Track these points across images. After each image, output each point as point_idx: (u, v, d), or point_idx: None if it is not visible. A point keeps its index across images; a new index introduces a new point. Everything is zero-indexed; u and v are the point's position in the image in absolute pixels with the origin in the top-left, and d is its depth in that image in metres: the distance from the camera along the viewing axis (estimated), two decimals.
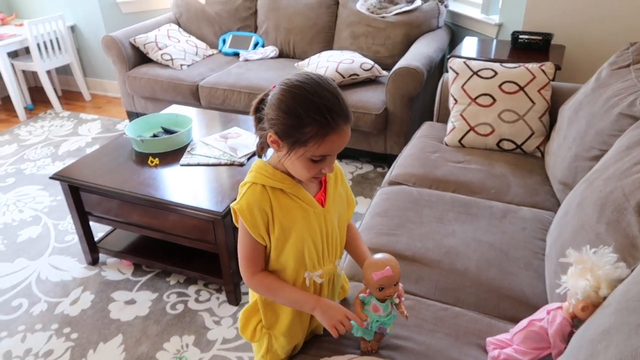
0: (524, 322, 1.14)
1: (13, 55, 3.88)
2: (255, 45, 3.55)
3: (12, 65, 3.76)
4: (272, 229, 1.05)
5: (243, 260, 1.10)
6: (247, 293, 2.02)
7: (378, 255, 1.11)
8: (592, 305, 1.01)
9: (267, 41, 3.57)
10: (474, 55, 2.66)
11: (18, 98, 3.73)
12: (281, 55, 3.53)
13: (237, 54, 3.55)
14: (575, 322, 1.05)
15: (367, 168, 2.92)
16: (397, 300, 1.11)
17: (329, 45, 3.40)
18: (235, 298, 1.98)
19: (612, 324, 0.85)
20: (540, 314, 1.13)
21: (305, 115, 0.92)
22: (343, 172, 1.19)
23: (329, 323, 1.07)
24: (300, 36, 3.43)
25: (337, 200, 1.14)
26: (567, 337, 1.04)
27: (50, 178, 2.03)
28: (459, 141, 2.14)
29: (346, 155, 3.01)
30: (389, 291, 1.07)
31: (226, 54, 3.59)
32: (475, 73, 2.16)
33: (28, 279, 2.19)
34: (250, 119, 2.50)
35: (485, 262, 1.47)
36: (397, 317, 1.15)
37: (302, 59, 3.37)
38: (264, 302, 1.16)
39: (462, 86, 2.17)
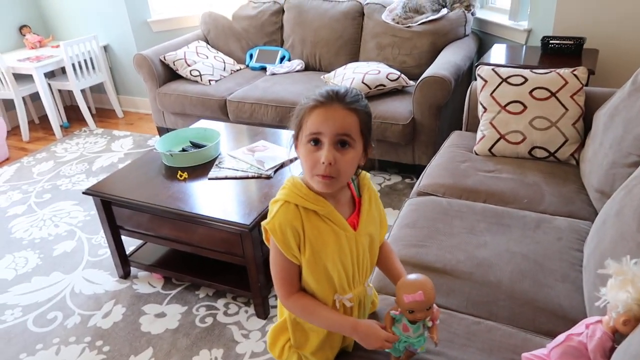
0: (561, 337, 1.08)
1: (50, 75, 4.03)
2: (282, 59, 3.59)
3: (49, 85, 3.91)
4: (303, 250, 1.03)
5: (278, 280, 1.07)
6: (275, 307, 2.01)
7: (413, 276, 1.07)
8: (635, 318, 0.95)
9: (294, 55, 3.60)
10: (502, 63, 2.61)
11: (55, 116, 3.86)
12: (307, 68, 3.55)
13: (264, 68, 3.59)
14: (617, 336, 1.00)
15: (396, 179, 2.88)
16: (429, 324, 1.07)
17: (355, 57, 3.40)
18: (263, 311, 1.98)
19: None
20: (579, 328, 1.07)
21: (305, 102, 0.99)
22: (376, 191, 1.17)
23: (368, 347, 1.05)
24: (326, 49, 3.45)
25: (370, 222, 1.11)
26: (608, 353, 0.99)
27: (84, 193, 2.09)
28: (489, 150, 2.09)
29: (373, 166, 2.99)
30: (420, 315, 1.03)
31: (253, 69, 3.63)
32: (505, 80, 2.11)
33: (63, 292, 2.24)
34: (277, 132, 2.53)
35: (519, 274, 1.42)
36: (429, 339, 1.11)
37: (329, 71, 3.38)
38: (293, 322, 1.14)
39: (491, 94, 2.12)
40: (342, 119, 0.95)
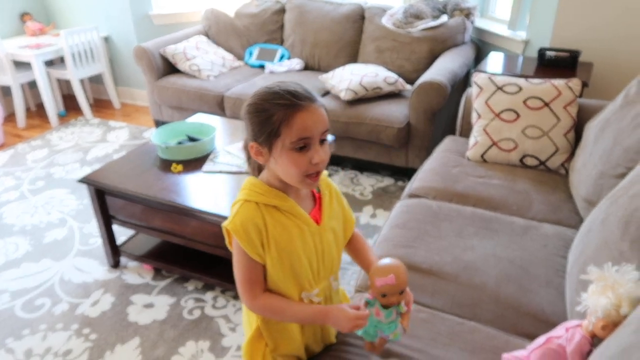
0: (541, 339, 1.11)
1: (48, 63, 4.02)
2: (281, 57, 3.61)
3: (48, 73, 3.90)
4: (267, 248, 1.01)
5: (242, 283, 1.04)
6: None
7: (385, 261, 1.07)
8: (613, 323, 0.98)
9: (293, 54, 3.62)
10: (499, 71, 2.64)
11: (51, 105, 3.86)
12: (306, 68, 3.57)
13: (262, 66, 3.61)
14: (595, 340, 1.02)
15: (388, 181, 2.91)
16: (403, 308, 1.08)
17: (353, 59, 3.43)
18: None
19: (633, 342, 0.83)
20: (559, 331, 1.10)
21: (269, 105, 0.94)
22: (338, 189, 1.17)
23: (343, 330, 1.06)
24: (325, 50, 3.47)
25: (333, 217, 1.11)
26: (585, 356, 1.02)
27: (78, 181, 2.09)
28: (481, 156, 2.12)
29: (367, 168, 3.01)
30: (392, 299, 1.04)
31: (252, 66, 3.65)
32: (500, 88, 2.14)
33: (52, 279, 2.24)
34: None
35: (504, 278, 1.44)
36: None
37: (327, 71, 3.41)
38: (266, 325, 1.12)
39: (486, 101, 2.15)
40: (322, 118, 0.95)
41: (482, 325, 1.30)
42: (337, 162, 3.05)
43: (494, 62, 2.81)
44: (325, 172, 1.10)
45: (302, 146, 0.94)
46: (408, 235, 1.65)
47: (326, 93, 3.09)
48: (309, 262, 1.06)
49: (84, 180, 2.09)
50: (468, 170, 2.04)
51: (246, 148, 1.03)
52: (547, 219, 1.74)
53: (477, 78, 2.24)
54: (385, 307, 1.06)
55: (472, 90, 2.27)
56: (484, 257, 1.53)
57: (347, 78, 2.95)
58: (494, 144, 2.09)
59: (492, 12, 3.37)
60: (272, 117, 0.93)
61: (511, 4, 3.01)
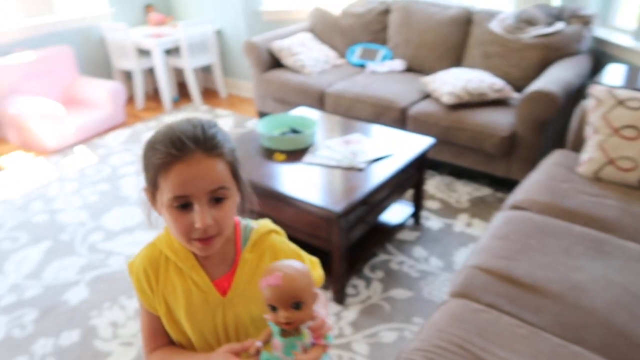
0: None
1: (166, 52, 4.36)
2: (383, 58, 3.62)
3: (165, 61, 4.23)
4: (158, 303, 0.90)
5: (142, 333, 0.95)
6: (354, 295, 2.07)
7: (279, 261, 0.82)
8: None
9: (396, 54, 3.62)
10: (618, 84, 2.46)
11: (167, 90, 4.18)
12: (409, 69, 3.55)
13: (363, 65, 3.65)
14: None
15: (486, 191, 2.82)
16: (307, 338, 0.77)
17: (458, 63, 3.36)
18: (341, 298, 2.04)
19: None
20: None
21: (152, 150, 0.80)
22: (290, 249, 0.95)
23: None
24: (429, 52, 3.43)
25: (255, 292, 0.84)
26: None
27: None
28: (595, 173, 1.99)
29: (464, 175, 2.94)
30: (283, 315, 0.75)
31: (354, 65, 3.70)
32: (621, 102, 2.00)
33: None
34: (372, 127, 2.56)
35: (616, 304, 1.36)
36: None
37: (429, 74, 3.37)
38: None
39: (604, 115, 2.02)
40: (211, 172, 0.79)
41: (588, 351, 1.24)
42: (434, 166, 3.00)
43: (614, 74, 2.62)
44: (268, 228, 0.94)
45: (183, 204, 0.79)
46: (509, 247, 1.60)
47: (426, 96, 3.06)
48: (203, 336, 0.90)
49: None
50: (579, 187, 1.93)
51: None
52: None
53: (594, 90, 2.11)
54: (284, 335, 0.78)
55: (588, 103, 2.14)
56: (593, 279, 1.45)
57: (450, 82, 2.90)
58: (611, 161, 1.96)
59: (613, 21, 3.13)
60: (150, 165, 0.81)
61: (637, 13, 2.78)
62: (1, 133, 3.78)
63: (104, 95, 3.81)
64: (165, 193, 0.79)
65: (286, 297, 0.75)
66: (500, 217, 1.80)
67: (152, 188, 0.82)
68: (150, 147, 0.81)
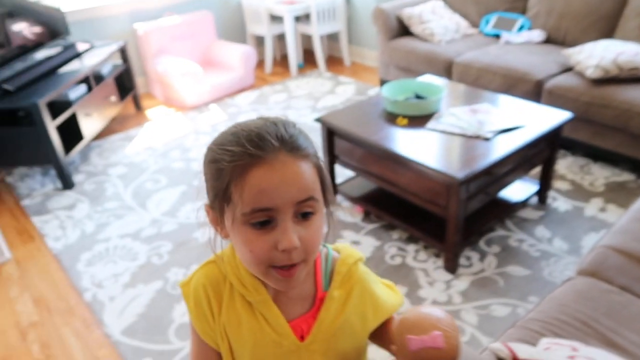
0: None
1: (296, 19, 4.50)
2: (520, 28, 3.37)
3: (295, 27, 4.37)
4: (220, 336, 0.73)
5: None
6: (467, 266, 2.03)
7: (423, 310, 0.66)
8: None
9: (535, 25, 3.35)
10: None
11: (294, 56, 4.34)
12: (548, 40, 3.28)
13: (497, 36, 3.43)
14: None
15: (628, 176, 2.53)
16: None
17: (609, 34, 3.01)
18: (452, 267, 2.00)
19: None
20: None
21: (221, 153, 0.63)
22: (372, 279, 0.78)
23: None
24: (574, 22, 3.12)
25: (340, 331, 0.73)
26: None
27: (316, 120, 2.34)
28: None
29: (602, 157, 2.66)
30: None
31: (487, 35, 3.50)
32: None
33: None
34: (502, 97, 2.42)
35: None
36: None
37: (572, 46, 3.07)
38: None
39: None
40: (299, 177, 0.62)
41: None
42: (569, 146, 2.76)
43: None
44: (355, 256, 0.77)
45: (264, 221, 0.62)
46: None
47: (568, 69, 2.81)
48: None
49: (319, 120, 2.33)
50: None
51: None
52: None
53: None
54: None
55: None
56: None
57: (598, 54, 2.62)
58: None
59: None
60: (221, 172, 0.63)
61: None
62: (149, 89, 4.23)
63: (238, 58, 4.06)
64: (240, 206, 0.61)
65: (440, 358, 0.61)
66: None
67: (220, 203, 0.64)
68: (218, 150, 0.64)
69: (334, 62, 4.69)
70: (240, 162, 0.60)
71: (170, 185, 2.85)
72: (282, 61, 4.78)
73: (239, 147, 0.61)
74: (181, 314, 1.95)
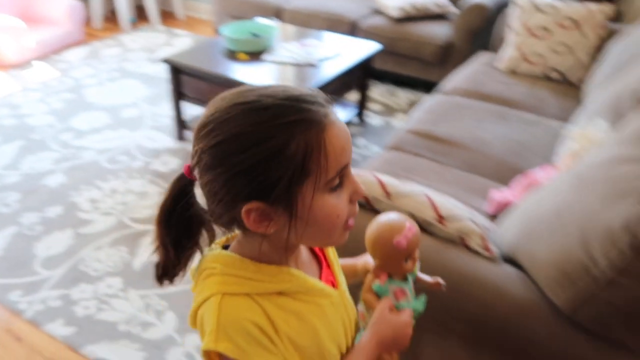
0: (524, 180, 1.42)
1: None
2: None
3: None
4: (289, 354, 0.64)
5: None
6: None
7: (382, 218, 0.76)
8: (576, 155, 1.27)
9: None
10: None
11: (124, 11, 4.23)
12: None
13: None
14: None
15: (422, 96, 3.11)
16: (417, 272, 0.79)
17: None
18: None
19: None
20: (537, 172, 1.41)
21: (275, 130, 0.56)
22: None
23: (407, 342, 0.74)
24: None
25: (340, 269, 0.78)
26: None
27: (162, 61, 2.47)
28: (510, 68, 2.36)
29: (405, 83, 3.24)
30: (414, 258, 0.76)
31: None
32: (539, 9, 2.35)
33: (128, 144, 2.68)
34: (326, 34, 2.83)
35: (508, 150, 1.75)
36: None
37: None
38: None
39: (523, 20, 2.37)
40: (347, 132, 0.62)
41: (482, 177, 1.62)
42: (379, 77, 3.31)
43: None
44: None
45: (339, 182, 0.60)
46: (434, 118, 1.95)
47: (376, 12, 3.32)
48: (338, 348, 0.72)
49: (166, 61, 2.46)
50: (496, 78, 2.31)
51: (218, 216, 0.63)
52: (556, 117, 2.01)
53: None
54: (403, 279, 0.76)
55: (511, 9, 2.47)
56: (495, 136, 1.83)
57: None
58: (525, 58, 2.33)
59: None
60: (285, 150, 0.56)
61: None
62: None
63: (62, 12, 3.83)
64: (324, 174, 0.57)
65: (419, 240, 0.75)
66: (430, 99, 2.14)
67: (291, 187, 0.57)
68: (271, 132, 0.56)
69: (167, 16, 4.67)
70: (314, 129, 0.57)
71: (4, 141, 2.71)
72: (112, 17, 4.60)
73: (300, 114, 0.56)
74: (44, 248, 1.99)
